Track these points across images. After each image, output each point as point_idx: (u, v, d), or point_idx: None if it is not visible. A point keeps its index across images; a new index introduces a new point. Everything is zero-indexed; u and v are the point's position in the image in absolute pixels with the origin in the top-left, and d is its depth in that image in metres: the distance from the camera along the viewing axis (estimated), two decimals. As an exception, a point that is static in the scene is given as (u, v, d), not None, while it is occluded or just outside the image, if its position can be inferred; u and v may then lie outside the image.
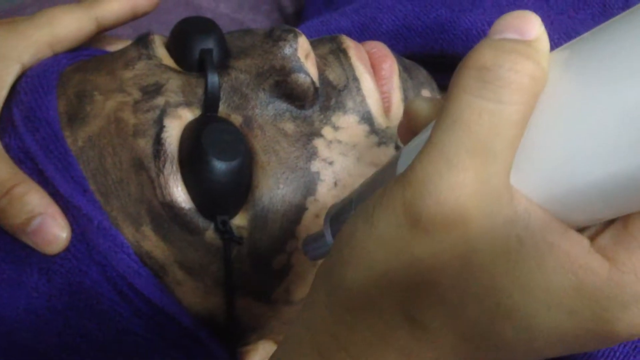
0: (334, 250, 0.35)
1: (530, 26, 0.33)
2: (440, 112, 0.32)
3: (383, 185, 0.34)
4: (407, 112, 0.38)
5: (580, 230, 0.33)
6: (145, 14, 0.53)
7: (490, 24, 0.55)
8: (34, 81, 0.48)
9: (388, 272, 0.33)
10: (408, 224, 0.32)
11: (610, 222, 0.33)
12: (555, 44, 0.53)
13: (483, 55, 0.32)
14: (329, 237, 0.40)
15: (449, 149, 0.31)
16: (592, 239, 0.33)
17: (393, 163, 0.37)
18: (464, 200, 0.31)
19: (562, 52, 0.34)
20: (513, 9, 0.55)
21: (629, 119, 0.31)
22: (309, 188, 0.46)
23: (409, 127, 0.38)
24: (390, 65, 0.50)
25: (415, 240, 0.32)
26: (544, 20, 0.54)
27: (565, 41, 0.53)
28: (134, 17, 0.53)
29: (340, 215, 0.39)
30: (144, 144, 0.45)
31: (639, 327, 0.33)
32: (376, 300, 0.33)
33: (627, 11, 0.33)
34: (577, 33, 0.53)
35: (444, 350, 0.34)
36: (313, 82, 0.47)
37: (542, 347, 0.33)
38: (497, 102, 0.31)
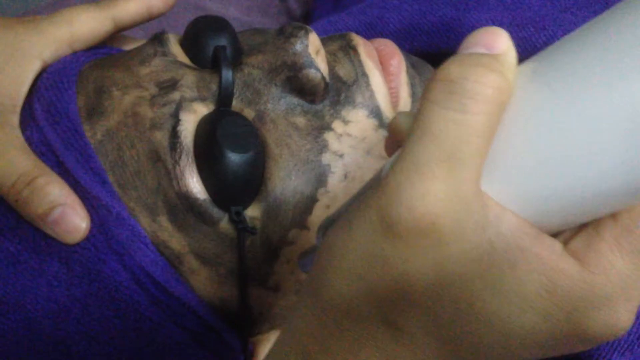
0: (317, 258, 0.36)
1: (498, 41, 0.34)
2: (412, 124, 0.33)
3: None
4: (391, 128, 0.38)
5: (554, 235, 0.34)
6: (160, 15, 0.54)
7: (495, 21, 0.56)
8: (54, 77, 0.49)
9: (365, 278, 0.34)
10: (382, 230, 0.33)
11: (582, 227, 0.34)
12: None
13: (450, 69, 0.33)
14: None
15: (419, 158, 0.32)
16: (565, 243, 0.33)
17: (378, 176, 0.37)
18: (434, 207, 0.32)
19: (529, 64, 0.34)
20: (517, 7, 0.57)
21: (598, 125, 0.31)
22: (320, 180, 0.47)
23: (394, 142, 0.39)
24: (398, 61, 0.51)
25: (389, 246, 0.33)
26: (547, 17, 0.56)
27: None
28: (150, 18, 0.54)
29: (331, 227, 0.40)
30: (161, 137, 0.46)
31: (613, 327, 0.33)
32: (356, 305, 0.34)
33: (591, 21, 0.33)
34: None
35: (425, 353, 0.35)
36: (323, 78, 0.48)
37: (518, 350, 0.34)
38: (462, 112, 0.32)
